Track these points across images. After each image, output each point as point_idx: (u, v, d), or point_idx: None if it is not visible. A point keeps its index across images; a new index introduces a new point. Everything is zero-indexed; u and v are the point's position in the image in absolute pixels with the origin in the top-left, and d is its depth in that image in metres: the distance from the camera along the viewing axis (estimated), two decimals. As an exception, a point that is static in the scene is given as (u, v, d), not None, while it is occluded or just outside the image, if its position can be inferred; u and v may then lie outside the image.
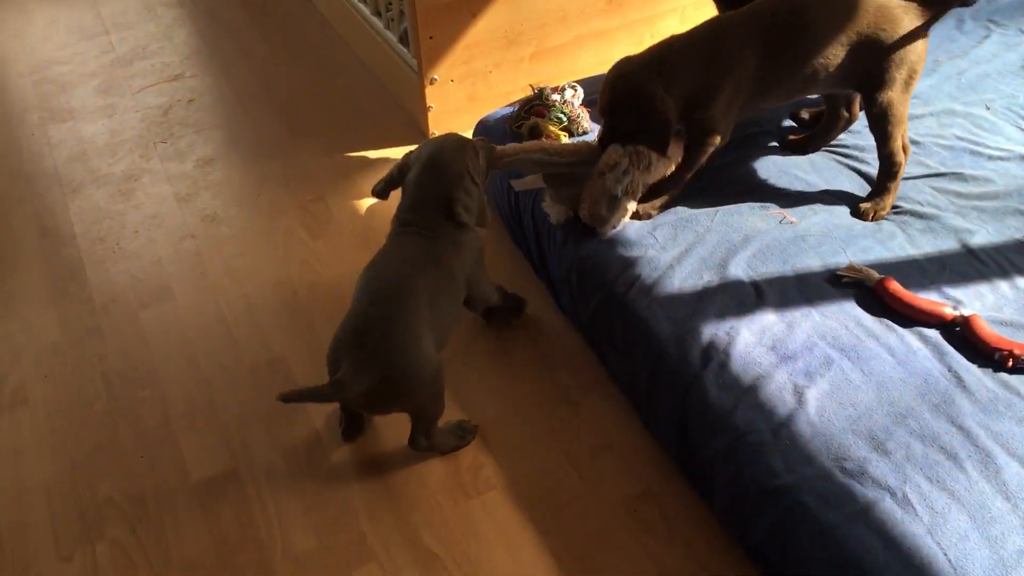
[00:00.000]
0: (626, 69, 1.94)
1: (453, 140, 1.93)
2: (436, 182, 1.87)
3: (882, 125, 1.99)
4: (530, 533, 1.78)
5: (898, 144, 2.01)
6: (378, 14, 2.99)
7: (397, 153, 2.79)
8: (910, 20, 1.93)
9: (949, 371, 1.66)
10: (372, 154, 2.80)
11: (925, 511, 1.45)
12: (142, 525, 1.83)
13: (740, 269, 1.90)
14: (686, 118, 1.97)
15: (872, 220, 2.02)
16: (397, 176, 1.94)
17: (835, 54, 1.93)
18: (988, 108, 2.29)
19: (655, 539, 1.75)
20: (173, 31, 3.40)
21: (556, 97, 2.36)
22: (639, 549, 1.73)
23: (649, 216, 2.04)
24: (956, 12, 2.63)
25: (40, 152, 2.87)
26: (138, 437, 2.00)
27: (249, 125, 2.95)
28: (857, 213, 2.03)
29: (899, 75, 1.95)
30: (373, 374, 1.67)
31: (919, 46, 1.95)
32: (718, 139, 1.98)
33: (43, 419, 2.05)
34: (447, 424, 1.92)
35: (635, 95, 1.91)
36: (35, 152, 2.87)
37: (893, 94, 1.97)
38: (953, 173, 2.10)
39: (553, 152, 2.04)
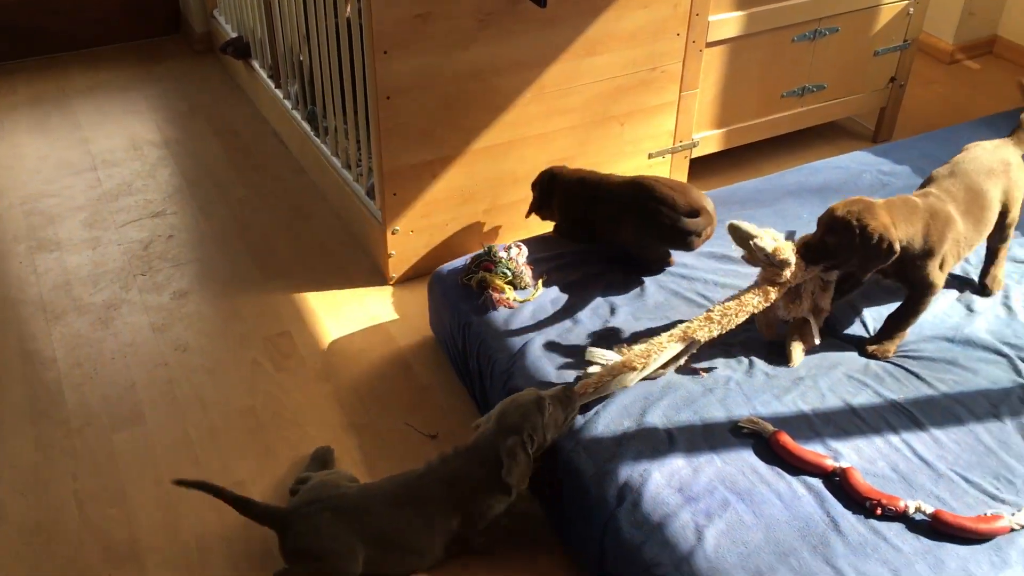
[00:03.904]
0: (865, 201, 2.22)
1: (525, 399, 2.10)
2: (491, 439, 2.08)
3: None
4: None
5: None
6: (348, 167, 3.32)
7: (360, 294, 3.07)
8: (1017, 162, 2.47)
9: (827, 516, 1.93)
10: (336, 294, 3.07)
11: (800, 639, 1.69)
12: (105, 638, 1.99)
13: (656, 417, 2.17)
14: (907, 271, 2.30)
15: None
16: None
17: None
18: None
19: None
20: (157, 170, 3.70)
21: (503, 254, 2.67)
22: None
23: (887, 356, 2.35)
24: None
25: (27, 280, 3.10)
26: (105, 552, 2.18)
27: (224, 261, 3.22)
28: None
29: (1017, 210, 2.48)
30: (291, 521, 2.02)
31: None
32: (938, 291, 2.34)
33: (17, 535, 2.22)
34: None
35: (863, 219, 2.17)
36: (22, 279, 3.10)
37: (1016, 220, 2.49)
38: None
39: (643, 357, 2.19)
